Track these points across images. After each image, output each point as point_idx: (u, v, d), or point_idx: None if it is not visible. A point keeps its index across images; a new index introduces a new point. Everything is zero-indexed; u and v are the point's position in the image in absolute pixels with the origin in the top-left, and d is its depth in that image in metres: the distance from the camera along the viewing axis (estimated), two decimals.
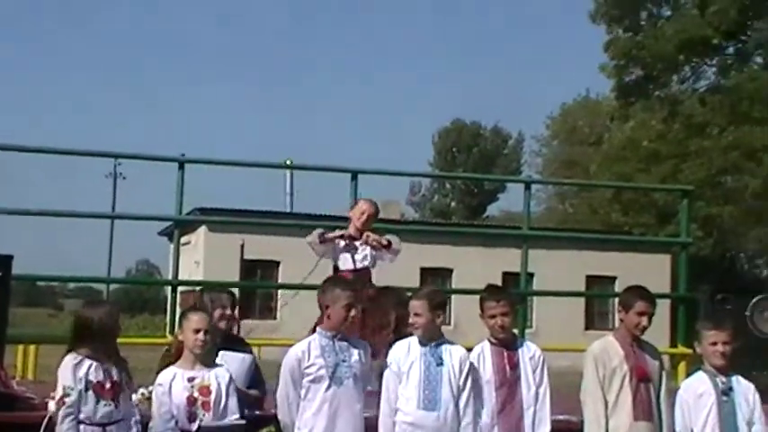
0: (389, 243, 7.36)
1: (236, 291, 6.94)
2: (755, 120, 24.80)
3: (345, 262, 7.45)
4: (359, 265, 7.35)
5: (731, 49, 28.13)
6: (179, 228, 10.32)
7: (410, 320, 5.75)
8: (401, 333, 6.24)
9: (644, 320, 5.95)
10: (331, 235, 7.38)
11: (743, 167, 25.32)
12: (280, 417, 5.68)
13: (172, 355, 5.59)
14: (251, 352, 6.31)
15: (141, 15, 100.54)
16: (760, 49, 27.31)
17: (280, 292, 29.47)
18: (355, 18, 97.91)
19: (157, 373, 5.54)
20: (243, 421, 5.46)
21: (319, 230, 7.43)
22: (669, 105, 28.73)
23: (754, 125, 24.63)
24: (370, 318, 6.71)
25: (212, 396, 5.36)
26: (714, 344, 5.81)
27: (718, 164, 25.76)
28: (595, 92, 48.56)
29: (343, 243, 7.41)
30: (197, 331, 5.41)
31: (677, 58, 27.31)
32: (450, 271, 31.03)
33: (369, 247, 7.44)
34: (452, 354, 5.73)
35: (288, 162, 12.99)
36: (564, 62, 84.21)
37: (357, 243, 7.43)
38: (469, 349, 5.92)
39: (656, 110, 29.47)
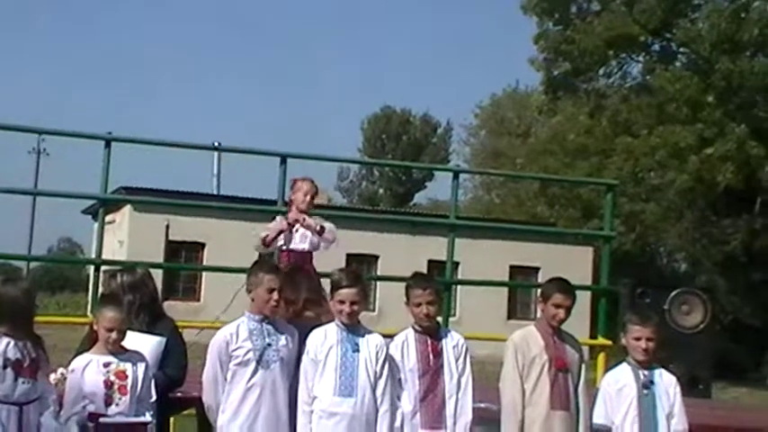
0: (322, 229, 7.09)
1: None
2: (680, 120, 25.26)
3: (285, 244, 7.16)
4: (297, 247, 7.06)
5: (657, 47, 28.61)
6: (104, 207, 10.18)
7: (347, 309, 5.73)
8: (301, 315, 6.24)
9: (561, 312, 6.03)
10: (273, 235, 7.11)
11: (668, 165, 25.78)
12: (204, 399, 5.66)
13: (90, 340, 5.53)
14: (176, 331, 6.20)
15: None
16: (683, 48, 27.81)
17: (205, 274, 29.31)
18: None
19: (77, 353, 5.48)
20: (150, 420, 5.40)
21: (261, 235, 7.15)
22: (595, 99, 29.11)
23: (680, 125, 25.08)
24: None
25: (129, 380, 5.35)
26: (638, 339, 5.91)
27: (644, 162, 26.20)
28: (525, 84, 49.07)
29: (284, 233, 7.10)
30: (110, 330, 5.36)
31: (606, 54, 27.67)
32: (376, 258, 31.08)
33: (304, 229, 7.13)
34: (369, 341, 5.76)
35: (216, 144, 12.85)
36: (495, 52, 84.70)
37: (294, 229, 7.11)
38: (392, 336, 5.96)
39: (583, 104, 29.84)
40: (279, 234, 7.07)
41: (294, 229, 7.09)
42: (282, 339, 5.68)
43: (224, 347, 5.60)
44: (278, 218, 7.29)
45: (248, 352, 5.56)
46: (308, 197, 7.19)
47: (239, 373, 5.56)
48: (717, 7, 25.82)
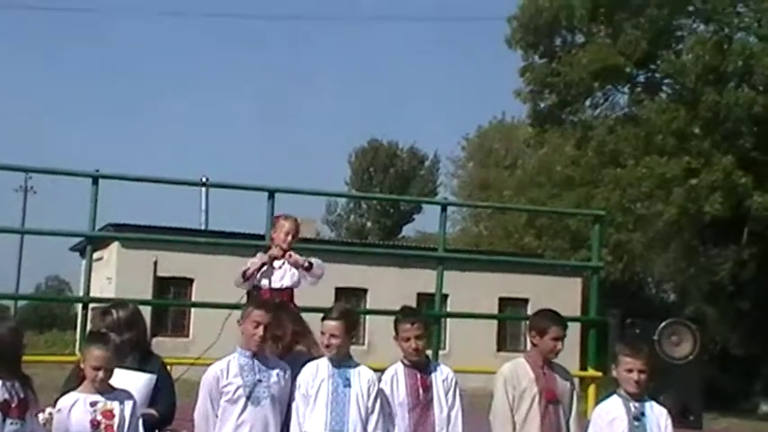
0: (310, 265, 7.10)
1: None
2: (667, 151, 25.40)
3: (265, 282, 7.18)
4: (277, 285, 7.08)
5: (642, 78, 28.80)
6: (91, 244, 10.15)
7: (325, 342, 5.74)
8: (292, 349, 6.22)
9: (559, 345, 6.07)
10: (252, 269, 7.10)
11: (654, 196, 25.89)
12: None
13: (77, 378, 5.48)
14: (164, 369, 6.18)
15: None
16: (668, 79, 28.01)
17: (194, 310, 29.20)
18: (276, 28, 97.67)
19: (62, 393, 5.43)
20: None
21: (241, 270, 7.16)
22: (582, 130, 29.26)
23: (666, 156, 25.22)
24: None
25: (116, 420, 5.27)
26: (630, 371, 5.85)
27: (631, 193, 26.30)
28: (511, 115, 49.32)
29: (265, 268, 7.13)
30: (97, 368, 5.28)
31: (591, 86, 27.84)
32: (365, 291, 31.04)
33: (289, 267, 7.15)
34: (360, 375, 5.75)
35: (203, 179, 12.89)
36: (481, 84, 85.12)
37: (277, 263, 7.15)
38: (382, 370, 5.96)
39: (570, 135, 29.97)
40: (260, 268, 7.07)
41: (277, 266, 7.10)
42: (273, 375, 5.66)
43: (215, 384, 5.58)
44: (259, 254, 7.28)
45: (238, 388, 5.54)
46: (290, 236, 7.19)
47: (229, 409, 5.54)
48: (700, 39, 26.05)
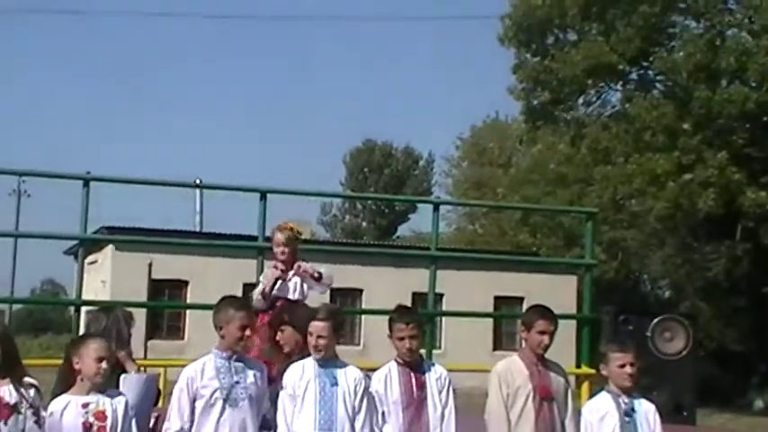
0: (320, 276, 7.14)
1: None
2: (658, 148, 25.42)
3: (281, 294, 7.18)
4: (292, 297, 7.10)
5: (635, 76, 28.84)
6: (84, 247, 10.15)
7: (313, 343, 5.75)
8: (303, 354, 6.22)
9: (545, 339, 6.06)
10: (269, 287, 7.07)
11: (646, 192, 25.91)
12: (165, 425, 5.60)
13: (67, 380, 5.45)
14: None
15: None
16: (660, 76, 28.06)
17: (189, 312, 29.18)
18: (271, 30, 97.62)
19: (53, 396, 5.42)
20: None
21: (258, 290, 7.12)
22: (575, 128, 29.30)
23: (657, 152, 25.24)
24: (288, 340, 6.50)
25: (108, 421, 5.22)
26: (623, 366, 5.89)
27: (622, 190, 26.32)
28: (504, 114, 49.39)
29: (279, 282, 7.14)
30: (100, 359, 5.24)
31: (585, 83, 27.87)
32: (361, 291, 31.05)
33: (299, 278, 7.17)
34: (347, 374, 5.77)
35: (197, 181, 12.87)
36: (475, 83, 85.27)
37: (288, 274, 7.16)
38: (378, 370, 5.98)
39: (563, 133, 30.01)
40: (275, 283, 7.09)
41: (288, 278, 7.12)
42: (250, 376, 5.64)
43: (187, 385, 5.54)
44: (267, 270, 7.31)
45: (215, 391, 5.51)
46: (281, 249, 7.23)
47: (206, 411, 5.51)
48: (692, 36, 26.08)
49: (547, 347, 6.08)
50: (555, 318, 6.17)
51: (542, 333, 6.06)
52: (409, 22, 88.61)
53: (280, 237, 7.28)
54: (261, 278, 7.27)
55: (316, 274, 7.13)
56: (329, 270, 7.25)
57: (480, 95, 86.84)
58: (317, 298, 7.20)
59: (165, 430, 5.58)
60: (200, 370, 5.60)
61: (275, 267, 7.21)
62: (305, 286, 7.18)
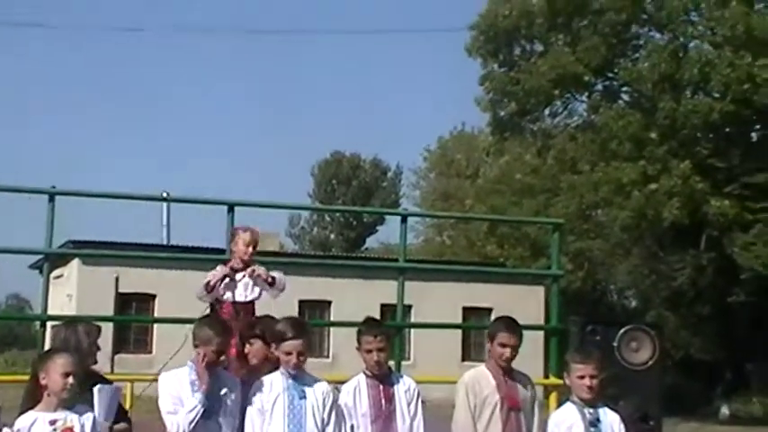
0: (273, 280, 7.14)
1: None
2: (624, 157, 25.61)
3: (228, 296, 7.16)
4: (241, 299, 7.08)
5: (600, 86, 29.07)
6: (50, 261, 10.06)
7: (293, 360, 5.69)
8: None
9: (506, 352, 6.06)
10: (215, 280, 7.07)
11: (612, 202, 26.10)
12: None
13: (33, 396, 5.38)
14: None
15: None
16: (626, 87, 28.30)
17: (156, 326, 28.99)
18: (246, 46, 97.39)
19: (20, 413, 5.35)
20: None
21: (203, 282, 7.11)
22: (542, 139, 29.47)
23: (623, 161, 25.43)
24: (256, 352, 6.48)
25: None
26: (582, 377, 5.90)
27: (588, 199, 26.48)
28: (471, 125, 49.62)
29: (227, 280, 7.15)
30: (66, 375, 5.17)
31: (551, 94, 28.03)
32: (329, 303, 31.02)
33: (250, 280, 7.16)
34: (315, 388, 5.75)
35: (164, 194, 12.84)
36: (441, 94, 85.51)
37: (238, 275, 7.16)
38: (345, 382, 5.97)
39: (530, 144, 30.17)
40: (222, 280, 7.09)
41: (239, 279, 7.12)
42: (225, 390, 5.64)
43: (173, 392, 5.56)
44: (219, 266, 7.27)
45: (195, 406, 5.51)
46: (250, 248, 7.23)
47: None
48: (656, 47, 26.33)
49: (509, 360, 6.08)
50: (518, 330, 6.15)
51: (503, 346, 6.07)
52: (377, 35, 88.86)
53: (247, 235, 7.27)
54: (209, 273, 7.23)
55: (269, 279, 7.12)
56: (282, 276, 7.23)
57: (447, 107, 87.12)
58: (270, 302, 7.21)
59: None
60: (178, 382, 5.59)
61: (226, 266, 7.20)
62: (256, 289, 7.15)
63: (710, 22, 25.92)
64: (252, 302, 7.16)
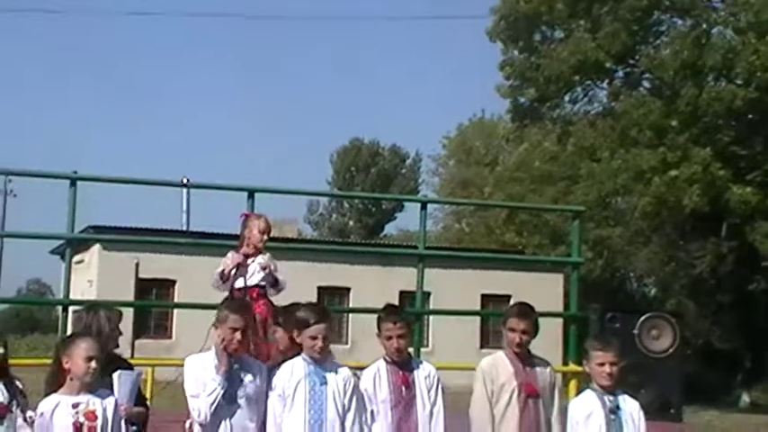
0: (276, 281, 7.16)
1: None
2: (644, 144, 25.46)
3: (240, 282, 7.18)
4: (251, 283, 7.10)
5: (621, 73, 28.89)
6: (71, 246, 10.11)
7: (319, 344, 5.69)
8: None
9: (516, 336, 6.04)
10: (229, 269, 7.11)
11: (632, 189, 25.96)
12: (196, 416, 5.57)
13: (56, 380, 5.42)
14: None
15: None
16: (647, 74, 28.11)
17: (176, 311, 29.09)
18: (254, 36, 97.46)
19: (44, 396, 5.39)
20: None
21: (218, 271, 7.14)
22: (561, 126, 29.33)
23: (643, 149, 25.27)
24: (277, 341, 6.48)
25: (99, 421, 5.22)
26: (601, 365, 5.86)
27: (608, 186, 26.35)
28: (491, 113, 49.44)
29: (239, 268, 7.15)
30: (89, 359, 5.22)
31: (571, 80, 27.88)
32: (348, 290, 31.05)
33: (258, 267, 7.15)
34: (336, 373, 5.74)
35: (184, 180, 12.85)
36: (461, 81, 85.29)
37: (249, 260, 7.17)
38: (365, 368, 5.97)
39: (549, 131, 30.04)
40: (237, 267, 7.10)
41: (248, 263, 7.13)
42: (249, 375, 5.64)
43: (200, 369, 5.58)
44: (230, 253, 7.27)
45: (215, 389, 5.52)
46: (265, 235, 7.25)
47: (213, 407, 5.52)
48: (678, 34, 26.13)
49: (520, 345, 6.05)
50: (530, 315, 6.12)
51: (513, 330, 6.05)
52: (397, 22, 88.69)
53: (262, 224, 7.29)
54: (222, 260, 7.25)
55: (272, 280, 7.15)
56: (284, 279, 7.23)
57: (467, 94, 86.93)
58: (291, 289, 7.22)
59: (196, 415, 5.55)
60: (203, 366, 5.60)
61: (237, 252, 7.21)
62: (260, 275, 7.14)
63: (734, 7, 25.68)
64: (257, 286, 7.15)
